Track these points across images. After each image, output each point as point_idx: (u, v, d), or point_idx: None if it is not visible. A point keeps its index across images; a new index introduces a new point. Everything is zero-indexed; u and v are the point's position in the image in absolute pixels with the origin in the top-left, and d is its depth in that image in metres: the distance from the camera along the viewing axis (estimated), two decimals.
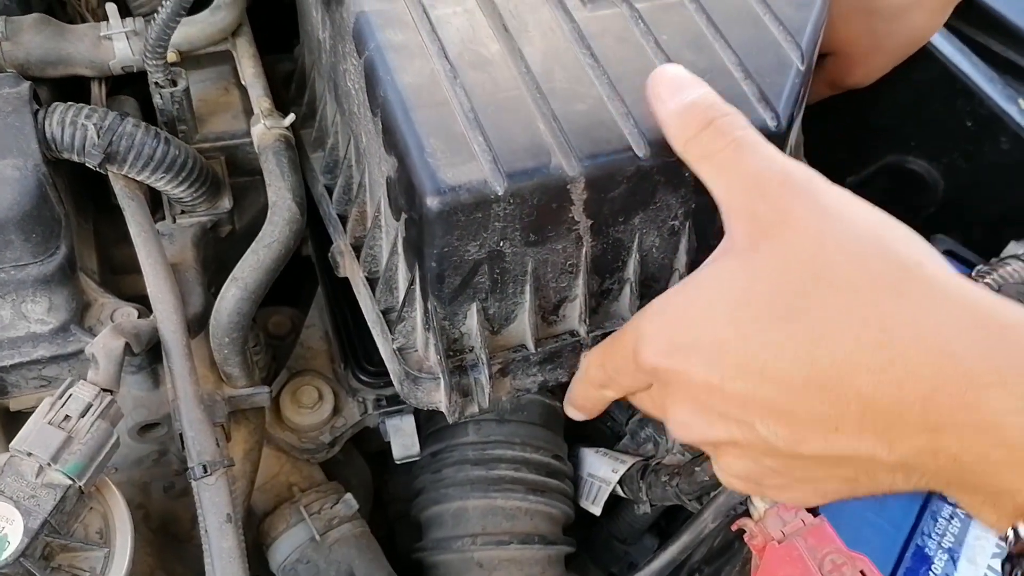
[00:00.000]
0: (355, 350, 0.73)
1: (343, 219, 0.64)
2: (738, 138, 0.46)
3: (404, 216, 0.54)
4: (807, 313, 0.42)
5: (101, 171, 0.61)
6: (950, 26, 0.83)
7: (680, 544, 0.67)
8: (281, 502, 0.71)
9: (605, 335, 0.58)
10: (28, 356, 0.61)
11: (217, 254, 0.69)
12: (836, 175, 0.91)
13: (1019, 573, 0.41)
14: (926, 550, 0.70)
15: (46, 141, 0.58)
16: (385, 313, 0.60)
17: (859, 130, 0.86)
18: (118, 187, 0.61)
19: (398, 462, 0.74)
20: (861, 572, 0.61)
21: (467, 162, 0.50)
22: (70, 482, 0.53)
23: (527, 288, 0.56)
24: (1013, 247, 0.78)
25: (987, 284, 0.69)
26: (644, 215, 0.55)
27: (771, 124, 0.54)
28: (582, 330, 0.58)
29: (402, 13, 0.56)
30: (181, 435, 0.60)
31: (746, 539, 0.64)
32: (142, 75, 0.64)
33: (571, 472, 0.81)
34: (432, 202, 0.49)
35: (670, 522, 0.86)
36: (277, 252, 0.58)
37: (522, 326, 0.57)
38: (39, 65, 0.62)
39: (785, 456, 0.45)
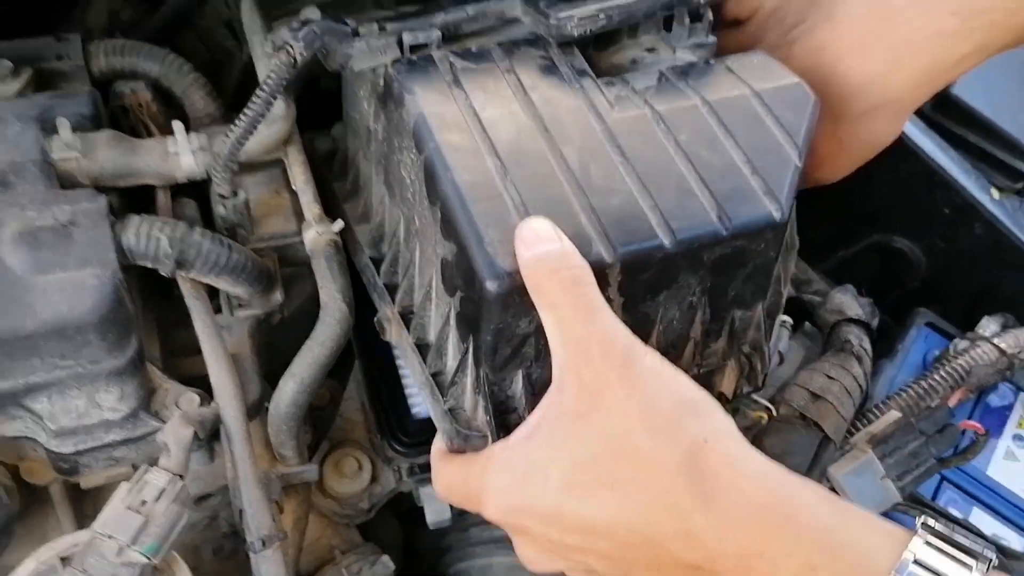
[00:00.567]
0: (391, 422, 0.80)
1: (390, 289, 0.72)
2: (586, 297, 0.54)
3: (460, 294, 0.62)
4: (623, 484, 0.52)
5: (169, 276, 0.68)
6: (930, 120, 0.91)
7: None
8: (324, 564, 0.78)
9: None
10: (101, 441, 0.67)
11: (267, 339, 0.75)
12: (830, 249, 1.00)
13: None
14: None
15: (122, 251, 0.65)
16: (434, 376, 0.67)
17: (850, 211, 0.94)
18: (185, 288, 0.68)
19: (431, 527, 0.80)
20: None
21: None
22: (146, 560, 0.60)
23: None
24: (986, 322, 0.86)
25: (960, 365, 0.76)
26: (668, 293, 0.63)
27: (776, 215, 0.61)
28: None
29: (456, 116, 0.63)
30: (240, 511, 0.66)
31: None
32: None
33: None
34: (491, 286, 0.56)
35: None
36: (330, 349, 0.65)
37: None
38: (111, 178, 0.69)
39: None
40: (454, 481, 0.62)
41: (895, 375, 0.87)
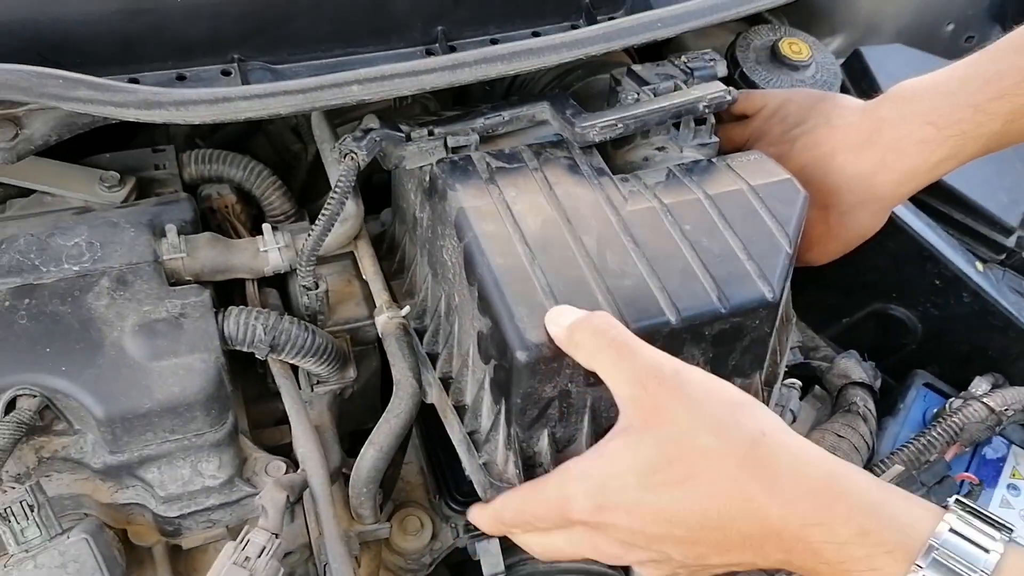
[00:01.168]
0: (447, 483, 0.88)
1: (432, 357, 0.81)
2: (624, 342, 0.64)
3: (494, 363, 0.72)
4: (693, 480, 0.61)
5: (262, 359, 0.77)
6: (919, 201, 1.02)
7: None
8: None
9: None
10: (202, 505, 0.76)
11: (340, 410, 0.85)
12: (835, 317, 1.10)
13: None
14: None
15: (224, 337, 0.75)
16: (470, 434, 0.76)
17: (850, 283, 1.03)
18: (275, 369, 0.78)
19: None
20: None
21: (546, 326, 0.67)
22: None
23: (586, 417, 0.72)
24: (978, 382, 0.95)
25: (955, 422, 0.85)
26: None
27: (769, 296, 0.72)
28: None
29: (491, 209, 0.74)
30: (325, 565, 0.75)
31: None
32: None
33: None
34: (521, 356, 0.67)
35: None
36: (404, 421, 0.75)
37: (580, 446, 0.74)
38: (210, 274, 0.79)
39: (694, 566, 0.65)
40: (529, 500, 0.70)
41: (898, 431, 0.96)
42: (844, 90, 1.05)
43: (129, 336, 0.72)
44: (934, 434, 0.85)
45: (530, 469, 0.73)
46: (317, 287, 0.79)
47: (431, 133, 0.81)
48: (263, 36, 0.79)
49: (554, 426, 0.72)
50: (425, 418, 0.91)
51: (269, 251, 0.80)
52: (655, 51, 1.09)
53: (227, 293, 0.83)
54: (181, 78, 0.76)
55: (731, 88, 0.84)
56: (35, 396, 0.70)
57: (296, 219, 0.90)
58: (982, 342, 1.00)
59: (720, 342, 0.72)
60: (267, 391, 0.88)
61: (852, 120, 0.84)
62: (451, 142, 0.80)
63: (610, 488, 0.64)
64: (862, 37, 1.15)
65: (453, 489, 0.88)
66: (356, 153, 0.76)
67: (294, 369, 0.82)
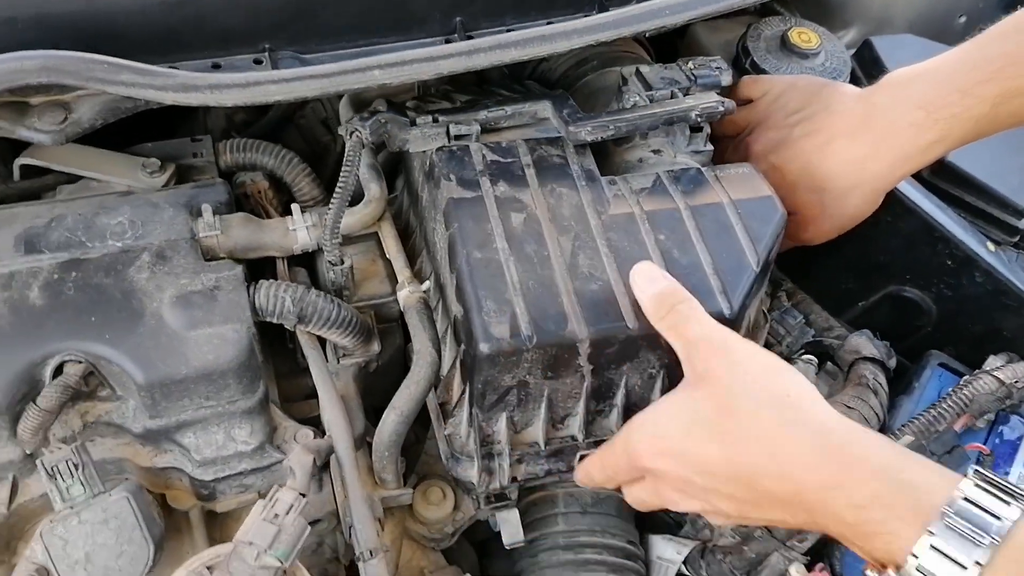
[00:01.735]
0: None
1: None
2: (684, 315, 0.72)
3: (463, 347, 0.77)
4: (727, 436, 0.67)
5: (291, 329, 0.82)
6: (930, 184, 1.04)
7: None
8: None
9: (596, 442, 0.80)
10: (235, 469, 0.80)
11: (364, 384, 0.89)
12: (851, 301, 1.12)
13: None
14: None
15: (255, 309, 0.79)
16: (441, 405, 0.82)
17: (865, 266, 1.05)
18: (303, 340, 0.83)
19: (507, 547, 0.91)
20: None
21: (510, 321, 0.73)
22: (279, 564, 0.72)
23: (542, 406, 0.78)
24: (992, 360, 0.96)
25: (964, 394, 0.87)
26: (630, 365, 0.77)
27: (726, 312, 0.76)
28: (580, 437, 0.80)
29: (478, 203, 0.79)
30: (351, 527, 0.79)
31: None
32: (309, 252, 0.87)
33: (643, 556, 0.98)
34: (483, 347, 0.72)
35: None
36: (423, 387, 0.79)
37: (536, 430, 0.79)
38: (243, 251, 0.84)
39: (737, 517, 0.71)
40: (606, 457, 0.77)
41: (912, 409, 0.96)
42: (854, 78, 1.08)
43: (167, 307, 0.77)
44: (944, 406, 0.86)
45: (487, 447, 0.79)
46: (342, 262, 0.83)
47: (435, 120, 0.85)
48: (293, 27, 0.84)
49: (512, 411, 0.77)
50: None
51: (298, 230, 0.84)
52: (672, 50, 1.13)
53: (259, 272, 0.87)
54: (216, 66, 0.82)
55: (725, 101, 0.87)
56: (81, 362, 0.74)
57: (324, 204, 0.94)
58: (996, 322, 1.01)
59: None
60: (297, 367, 0.92)
61: (849, 106, 0.87)
62: (453, 130, 0.85)
63: (663, 436, 0.71)
64: (874, 30, 1.17)
65: None
66: (360, 131, 0.81)
67: (321, 343, 0.86)
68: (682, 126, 0.86)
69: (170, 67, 0.76)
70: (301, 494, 0.75)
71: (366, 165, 0.90)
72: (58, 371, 0.74)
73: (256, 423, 0.80)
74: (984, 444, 0.97)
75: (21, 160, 0.89)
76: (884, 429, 0.91)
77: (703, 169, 0.86)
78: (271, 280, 0.81)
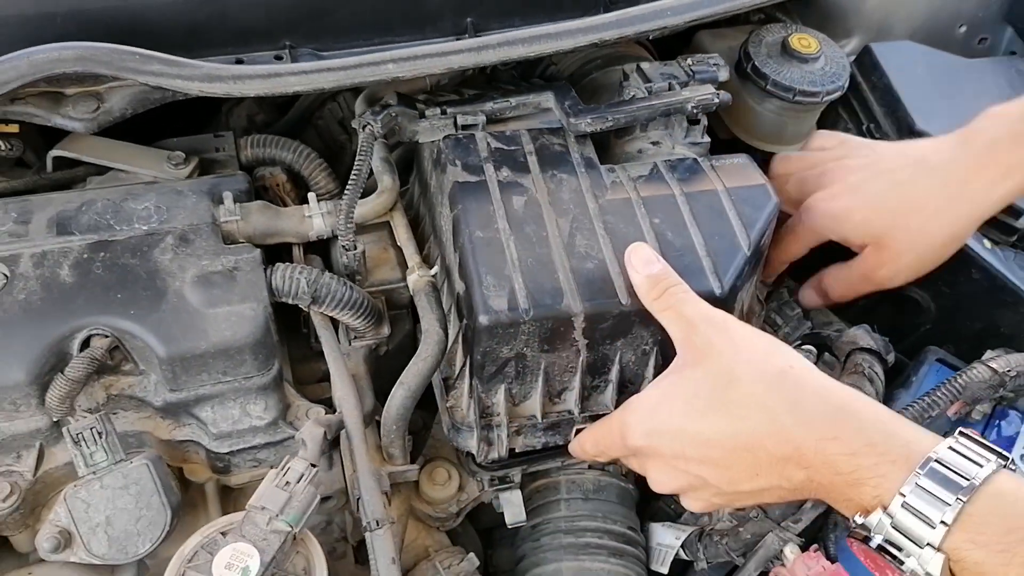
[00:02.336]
0: None
1: None
2: (681, 298, 0.75)
3: (464, 321, 0.80)
4: (729, 405, 0.70)
5: (306, 310, 0.86)
6: None
7: None
8: (419, 560, 0.92)
9: (592, 417, 0.83)
10: (249, 443, 0.84)
11: (375, 367, 0.92)
12: (852, 300, 1.13)
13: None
14: None
15: (271, 290, 0.83)
16: (444, 380, 0.86)
17: None
18: (316, 320, 0.86)
19: (510, 526, 0.94)
20: None
21: (508, 295, 0.76)
22: (289, 529, 0.75)
23: (539, 379, 0.81)
24: (989, 355, 0.98)
25: (958, 382, 0.89)
26: (624, 340, 0.81)
27: (716, 291, 0.79)
28: (576, 411, 0.83)
29: (482, 187, 0.83)
30: (359, 499, 0.82)
31: None
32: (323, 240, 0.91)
33: (643, 542, 1.00)
34: (483, 319, 0.76)
35: None
36: (430, 364, 0.82)
37: (534, 403, 0.82)
38: (261, 237, 0.88)
39: (728, 492, 0.73)
40: (600, 432, 0.80)
41: (897, 411, 0.99)
42: (853, 82, 1.11)
43: (189, 286, 0.81)
44: (938, 394, 0.88)
45: (487, 418, 0.82)
46: (355, 248, 0.87)
47: (443, 112, 0.90)
48: (311, 25, 0.89)
49: (511, 383, 0.81)
50: None
51: (313, 217, 0.88)
52: (676, 52, 1.17)
53: (275, 259, 0.91)
54: (239, 62, 0.86)
55: (721, 93, 0.90)
56: (107, 336, 0.78)
57: (340, 197, 0.98)
58: (994, 319, 1.03)
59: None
60: (310, 352, 0.96)
61: (941, 137, 0.87)
62: (460, 120, 0.89)
63: (659, 416, 0.73)
64: (875, 39, 1.20)
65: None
66: (372, 124, 0.85)
67: (334, 326, 0.90)
68: (680, 119, 0.89)
69: None
70: (312, 464, 0.78)
71: (379, 158, 0.94)
72: (85, 345, 0.78)
73: (270, 399, 0.84)
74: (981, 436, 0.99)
75: (54, 152, 0.93)
76: None
77: (699, 159, 0.89)
78: (287, 263, 0.85)
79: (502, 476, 0.94)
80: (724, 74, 0.92)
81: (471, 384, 0.80)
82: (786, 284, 1.08)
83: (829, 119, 1.17)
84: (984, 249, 1.01)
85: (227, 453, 0.83)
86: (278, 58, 0.88)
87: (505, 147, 0.86)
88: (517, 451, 0.85)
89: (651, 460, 0.76)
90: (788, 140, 1.10)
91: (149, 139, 0.96)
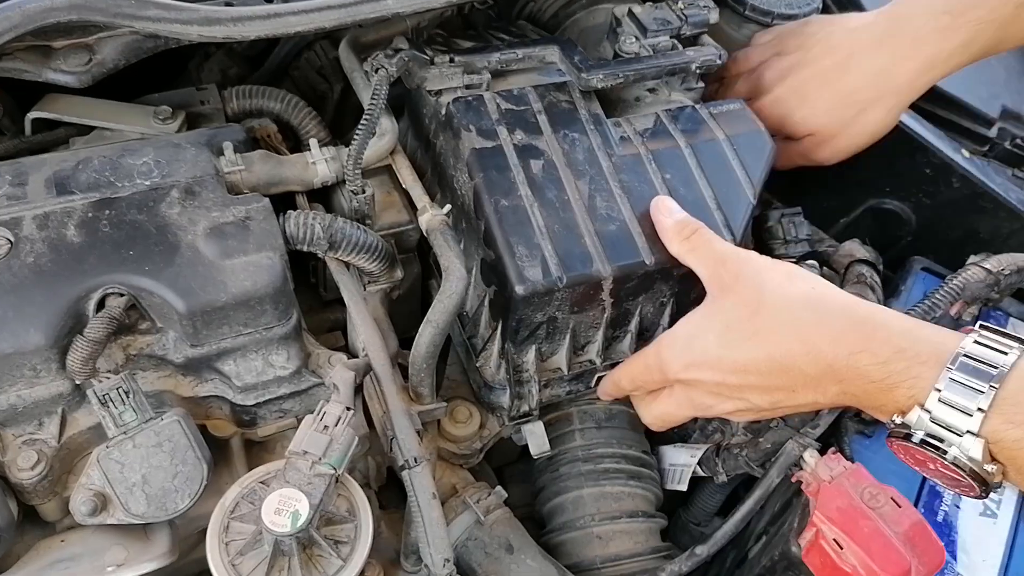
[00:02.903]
0: None
1: None
2: (706, 239, 0.80)
3: (494, 288, 0.83)
4: (761, 332, 0.73)
5: (322, 256, 0.84)
6: None
7: (755, 497, 0.89)
8: (447, 497, 0.92)
9: (612, 364, 0.88)
10: (275, 394, 0.83)
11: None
12: (834, 217, 1.17)
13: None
14: (937, 487, 0.92)
15: (286, 238, 0.82)
16: (469, 339, 0.89)
17: (845, 183, 1.11)
18: (333, 266, 0.85)
19: (535, 457, 0.95)
20: (892, 499, 0.83)
21: (541, 264, 0.79)
22: (333, 471, 0.75)
23: (567, 336, 0.85)
24: (972, 259, 1.03)
25: (956, 283, 0.93)
26: (646, 295, 0.85)
27: (729, 240, 0.83)
28: (598, 361, 0.88)
29: (498, 153, 0.84)
30: (392, 439, 0.82)
31: (803, 487, 0.86)
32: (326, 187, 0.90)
33: (656, 464, 1.03)
34: (519, 289, 0.79)
35: (735, 504, 1.08)
36: (455, 301, 0.82)
37: (561, 358, 0.87)
38: (265, 186, 0.86)
39: (770, 410, 0.77)
40: (636, 367, 0.84)
41: (901, 311, 1.03)
42: (825, 7, 1.13)
43: (202, 238, 0.79)
44: (938, 296, 0.92)
45: (518, 374, 0.86)
46: (364, 191, 0.86)
47: (452, 60, 0.90)
48: None
49: (540, 343, 0.85)
50: (463, 323, 0.99)
51: (317, 163, 0.87)
52: None
53: (277, 211, 0.90)
54: (229, 3, 0.83)
55: (722, 52, 0.93)
56: (123, 295, 0.76)
57: (331, 145, 0.97)
58: (974, 225, 1.08)
59: (686, 280, 0.83)
60: (318, 301, 0.95)
61: (868, 21, 0.92)
62: (466, 80, 0.88)
63: (695, 348, 0.77)
64: None
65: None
66: (386, 67, 0.85)
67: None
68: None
69: None
70: (347, 407, 0.78)
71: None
72: (100, 305, 0.76)
73: (292, 348, 0.83)
74: None
75: (33, 114, 0.90)
76: None
77: (697, 107, 0.92)
78: (300, 210, 0.84)
79: (521, 413, 0.95)
80: (715, 16, 0.94)
81: (503, 347, 0.84)
82: (774, 207, 1.11)
83: None
84: (963, 159, 1.05)
85: (253, 406, 0.82)
86: (268, 0, 0.86)
87: (515, 107, 0.87)
88: (543, 401, 0.89)
89: (694, 390, 0.79)
90: None
91: (129, 95, 0.93)
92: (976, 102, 1.10)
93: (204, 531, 0.73)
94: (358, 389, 0.86)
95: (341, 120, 1.09)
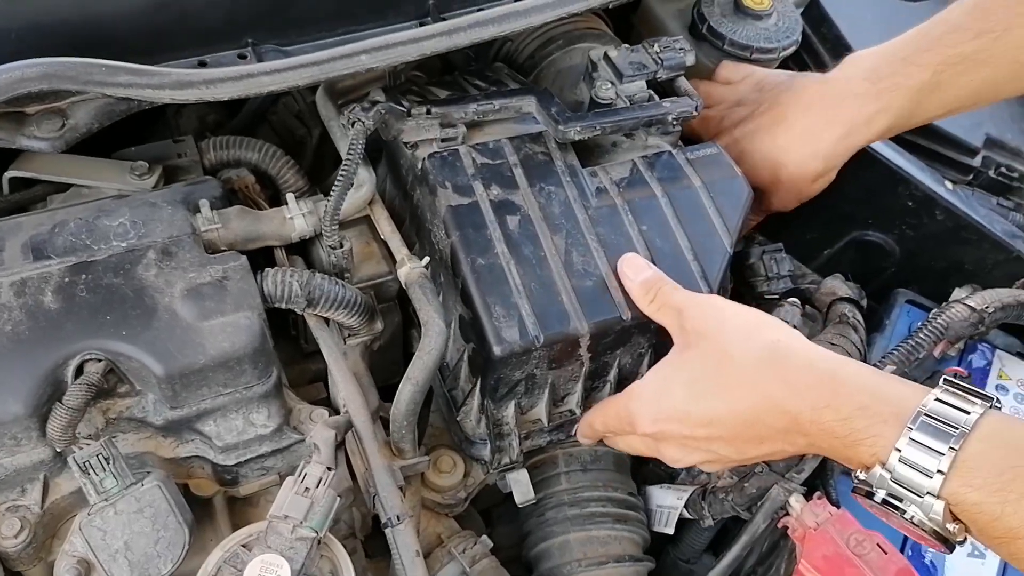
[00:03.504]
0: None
1: None
2: (667, 294, 0.80)
3: (472, 345, 0.83)
4: (725, 386, 0.74)
5: (301, 313, 0.84)
6: None
7: (741, 543, 0.89)
8: (432, 548, 0.92)
9: None
10: (256, 452, 0.82)
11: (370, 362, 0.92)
12: (818, 249, 1.18)
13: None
14: None
15: (264, 296, 0.82)
16: (449, 391, 0.89)
17: (828, 216, 1.10)
18: (312, 322, 0.85)
19: (520, 506, 0.95)
20: (878, 545, 0.82)
21: (519, 325, 0.79)
22: (315, 534, 0.75)
23: (546, 391, 0.85)
24: (957, 293, 1.03)
25: (940, 323, 0.92)
26: (624, 348, 0.86)
27: (705, 291, 0.84)
28: (579, 411, 0.89)
29: (475, 209, 0.84)
30: (375, 496, 0.82)
31: (789, 532, 0.86)
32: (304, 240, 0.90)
33: (643, 506, 1.03)
34: (497, 350, 0.79)
35: (723, 541, 1.08)
36: (435, 357, 0.82)
37: (540, 411, 0.87)
38: (243, 243, 0.86)
39: (739, 459, 0.78)
40: (607, 414, 0.84)
41: (886, 345, 1.03)
42: (805, 37, 1.13)
43: (179, 300, 0.79)
44: (921, 335, 0.92)
45: (498, 428, 0.87)
46: (342, 246, 0.86)
47: (428, 112, 0.89)
48: (272, 20, 0.86)
49: (520, 398, 0.85)
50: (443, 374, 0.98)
51: (295, 218, 0.87)
52: (627, 22, 1.18)
53: (255, 264, 0.89)
54: (203, 64, 0.83)
55: (698, 101, 0.93)
56: (100, 360, 0.76)
57: (310, 194, 0.97)
58: (958, 257, 1.08)
59: (663, 330, 0.83)
60: (299, 353, 0.95)
61: (807, 84, 0.95)
62: (442, 133, 0.89)
63: (663, 404, 0.77)
64: None
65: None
66: (363, 121, 0.84)
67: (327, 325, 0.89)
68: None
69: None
70: (328, 467, 0.78)
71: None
72: (79, 371, 0.76)
73: (272, 406, 0.83)
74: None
75: (10, 173, 0.89)
76: (865, 362, 0.96)
77: (674, 152, 0.92)
78: (277, 267, 0.83)
79: (504, 461, 0.95)
80: (691, 59, 0.94)
81: (483, 403, 0.84)
82: (756, 241, 1.11)
83: None
84: (946, 191, 1.05)
85: (235, 465, 0.82)
86: (242, 56, 0.85)
87: (491, 162, 0.87)
88: (524, 451, 0.89)
89: (663, 443, 0.80)
90: None
91: (94, 151, 0.92)
92: (959, 132, 1.10)
93: None
94: (340, 446, 0.86)
95: (321, 164, 1.09)
